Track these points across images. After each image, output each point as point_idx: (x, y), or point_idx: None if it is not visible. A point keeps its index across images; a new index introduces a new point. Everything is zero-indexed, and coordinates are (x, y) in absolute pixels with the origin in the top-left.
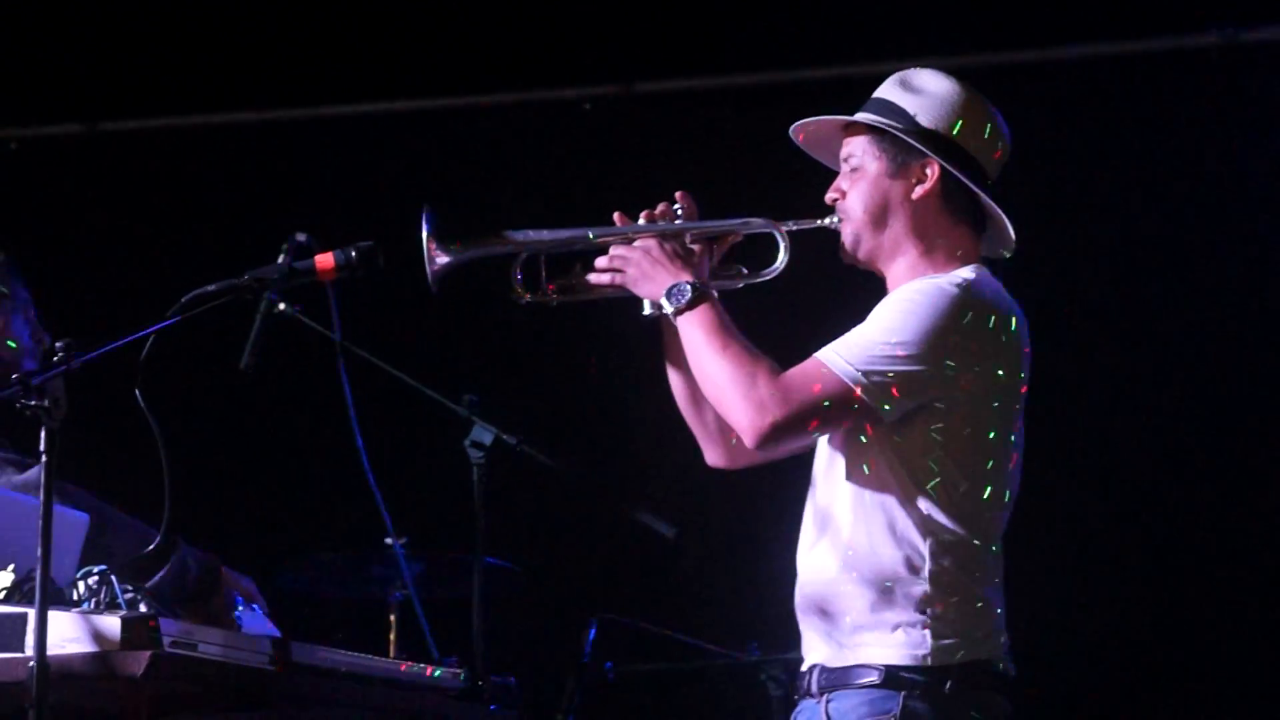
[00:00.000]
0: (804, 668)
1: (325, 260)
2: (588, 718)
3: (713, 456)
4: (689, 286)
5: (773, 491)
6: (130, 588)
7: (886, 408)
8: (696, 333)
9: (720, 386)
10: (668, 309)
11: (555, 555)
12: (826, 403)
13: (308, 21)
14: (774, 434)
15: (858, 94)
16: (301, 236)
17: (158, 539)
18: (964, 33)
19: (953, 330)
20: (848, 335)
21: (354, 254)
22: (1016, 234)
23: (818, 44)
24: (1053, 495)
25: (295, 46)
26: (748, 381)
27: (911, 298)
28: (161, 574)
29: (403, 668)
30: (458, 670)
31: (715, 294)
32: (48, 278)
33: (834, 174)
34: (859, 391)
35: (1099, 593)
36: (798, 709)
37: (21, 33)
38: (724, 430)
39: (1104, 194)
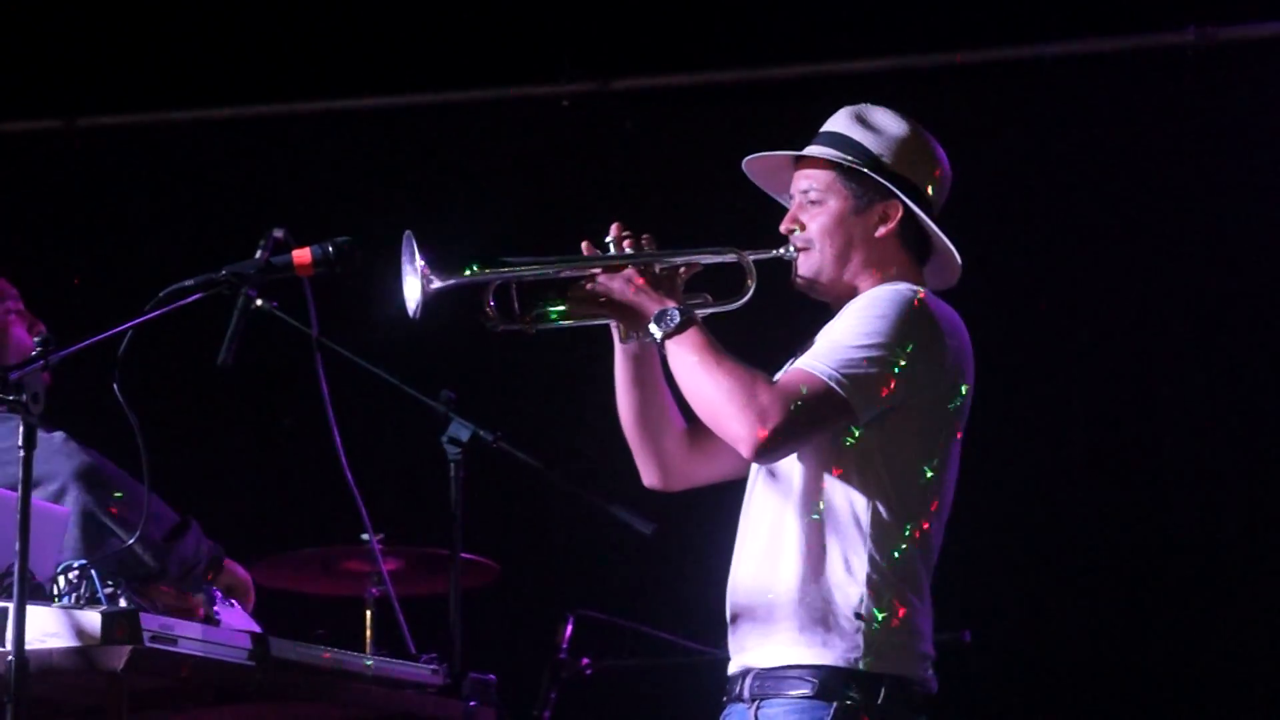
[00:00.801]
0: (733, 670)
1: (303, 255)
2: (564, 713)
3: (651, 478)
4: (676, 311)
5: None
6: (110, 582)
7: (864, 408)
8: (689, 354)
9: (718, 402)
10: (656, 335)
11: (532, 551)
12: (817, 407)
13: (285, 18)
14: (774, 441)
15: (832, 94)
16: (279, 232)
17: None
18: (941, 30)
19: (914, 334)
20: (819, 344)
21: (331, 249)
22: (987, 238)
23: (795, 41)
24: (1025, 500)
25: (273, 43)
26: (747, 393)
27: (874, 303)
28: (176, 547)
29: (380, 663)
30: (435, 666)
31: (699, 316)
32: (26, 273)
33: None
34: (843, 394)
35: (1063, 596)
36: (725, 713)
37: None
38: (664, 454)
39: (1078, 194)
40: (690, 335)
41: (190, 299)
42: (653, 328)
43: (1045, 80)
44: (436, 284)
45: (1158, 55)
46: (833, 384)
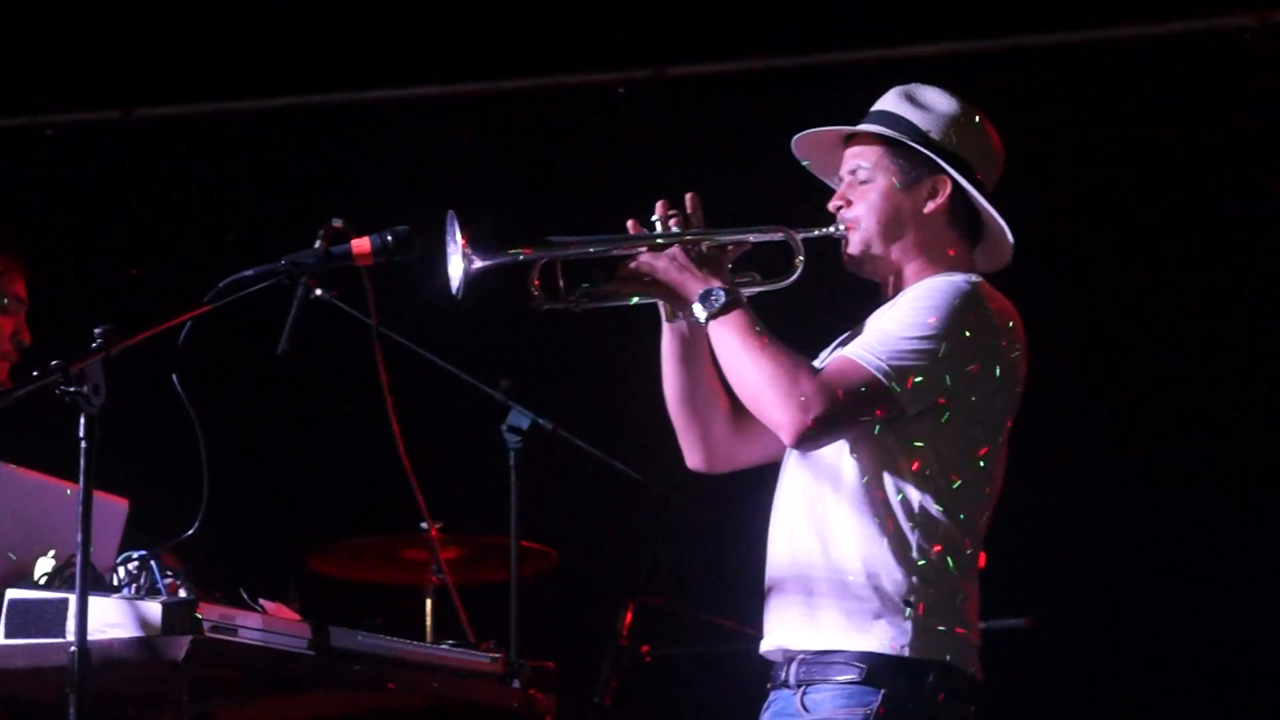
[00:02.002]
0: (769, 649)
1: (362, 245)
2: (624, 701)
3: (695, 460)
4: (722, 291)
5: None
6: (171, 572)
7: (911, 399)
8: (732, 336)
9: (761, 386)
10: (700, 315)
11: (591, 539)
12: (861, 396)
13: (342, 7)
14: (816, 429)
15: (886, 79)
16: (338, 222)
17: (195, 523)
18: (995, 15)
19: (968, 325)
20: (869, 332)
21: (390, 239)
22: (1041, 224)
23: (850, 26)
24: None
25: (330, 32)
26: (790, 380)
27: (930, 294)
28: None
29: (440, 652)
30: (495, 654)
31: (745, 297)
32: (84, 264)
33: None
34: (888, 383)
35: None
36: (770, 699)
37: (58, 19)
38: (709, 436)
39: (1132, 179)
40: (734, 317)
41: (250, 290)
42: (697, 307)
43: (1099, 65)
44: (478, 263)
45: (1215, 39)
46: (879, 374)
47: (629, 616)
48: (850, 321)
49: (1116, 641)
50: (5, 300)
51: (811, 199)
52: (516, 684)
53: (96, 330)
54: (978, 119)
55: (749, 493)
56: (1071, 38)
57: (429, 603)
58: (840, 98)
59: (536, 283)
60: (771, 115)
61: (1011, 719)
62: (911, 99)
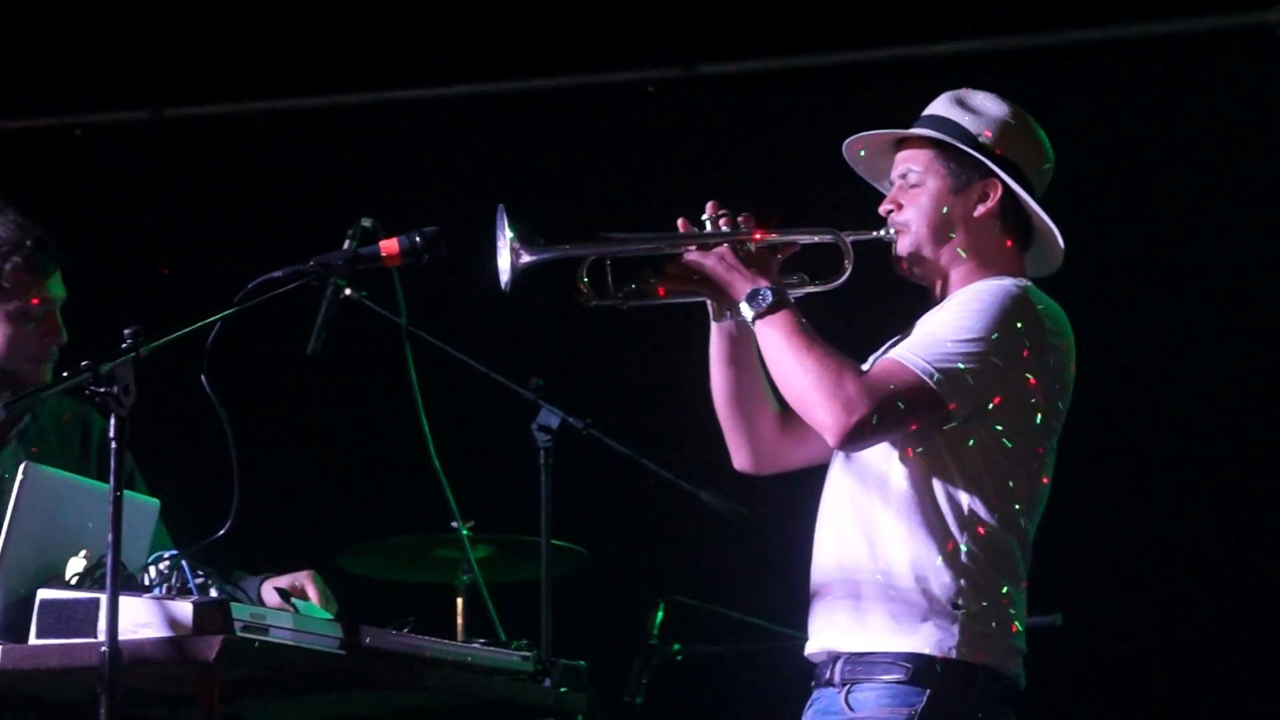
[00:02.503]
0: (815, 651)
1: (390, 246)
2: (655, 699)
3: (742, 461)
4: (769, 291)
5: None
6: (202, 572)
7: (959, 403)
8: (779, 336)
9: (806, 387)
10: (747, 314)
11: (622, 537)
12: (907, 399)
13: (373, 7)
14: (861, 432)
15: (918, 77)
16: (367, 222)
17: (226, 524)
18: (1029, 12)
19: (1016, 329)
20: (917, 334)
21: (419, 239)
22: (1082, 224)
23: (881, 24)
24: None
25: (359, 32)
26: (835, 381)
27: (978, 297)
28: None
29: (472, 651)
30: (527, 653)
31: (792, 298)
32: (114, 264)
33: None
34: (935, 387)
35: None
36: (814, 696)
37: (87, 20)
38: (756, 436)
39: (1166, 176)
40: (781, 317)
41: (280, 290)
42: (744, 307)
43: (1128, 61)
44: (527, 257)
45: (1244, 34)
46: (925, 377)
47: (660, 615)
48: (897, 324)
49: (1149, 639)
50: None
51: (841, 198)
52: (548, 683)
53: (126, 331)
54: (1028, 123)
55: (780, 491)
56: (1097, 35)
57: (460, 602)
58: (872, 96)
59: (585, 280)
60: (800, 114)
61: (1043, 717)
62: (962, 103)
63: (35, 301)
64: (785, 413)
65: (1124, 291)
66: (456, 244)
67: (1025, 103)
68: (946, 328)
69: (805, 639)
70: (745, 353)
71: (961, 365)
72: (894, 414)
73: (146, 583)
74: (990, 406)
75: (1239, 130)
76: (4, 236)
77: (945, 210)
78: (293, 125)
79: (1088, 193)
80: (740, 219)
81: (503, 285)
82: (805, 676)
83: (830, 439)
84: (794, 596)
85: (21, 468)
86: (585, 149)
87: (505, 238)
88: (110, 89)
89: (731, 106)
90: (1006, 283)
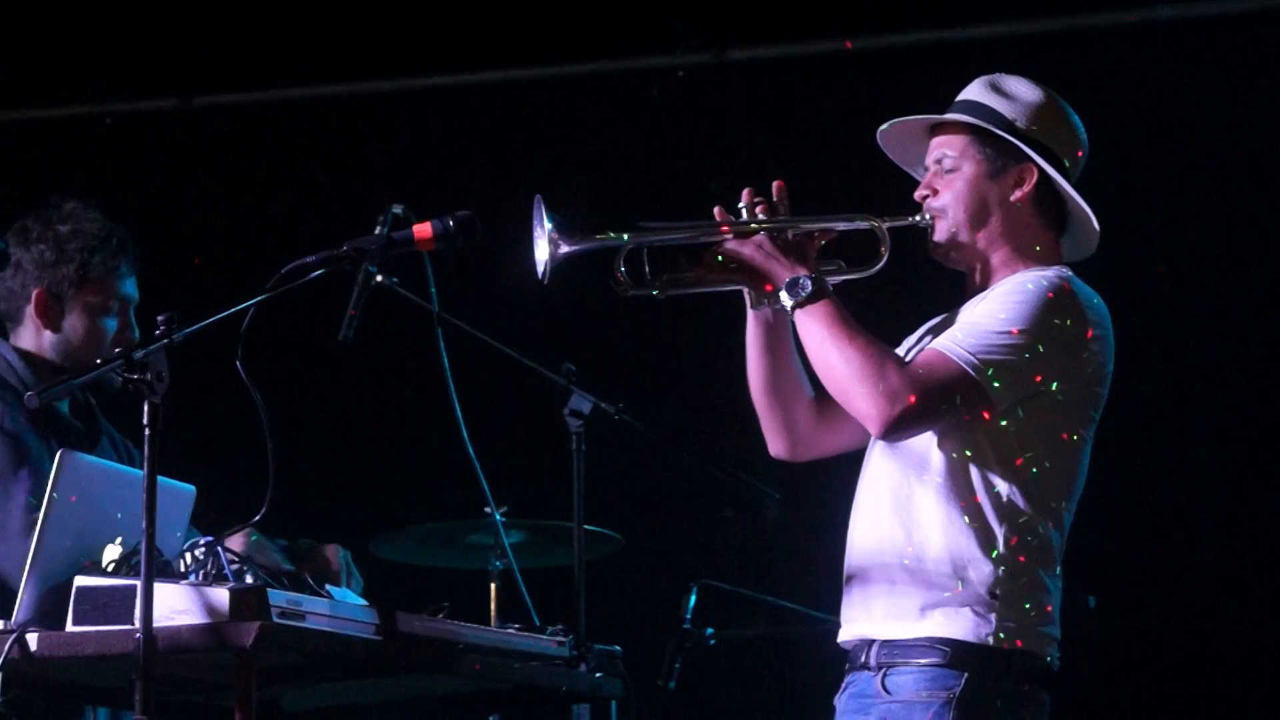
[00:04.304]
0: (850, 637)
1: (424, 230)
2: (689, 683)
3: (778, 448)
4: (809, 280)
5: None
6: (237, 558)
7: (1001, 393)
8: (819, 326)
9: (848, 377)
10: (787, 303)
11: (655, 522)
12: (950, 389)
13: None
14: (903, 421)
15: (950, 61)
16: (398, 208)
17: (262, 509)
18: None
19: (1059, 321)
20: (960, 325)
21: (452, 224)
22: (1117, 207)
23: (914, 8)
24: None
25: (389, 18)
26: (878, 372)
27: (1022, 288)
28: None
29: (507, 636)
30: (561, 638)
31: (831, 287)
32: (145, 252)
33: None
34: (977, 377)
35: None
36: (849, 680)
37: (117, 8)
38: (792, 423)
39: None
40: (821, 306)
41: (312, 275)
42: (784, 295)
43: (1163, 44)
44: (565, 248)
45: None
46: (968, 368)
47: (693, 600)
48: (932, 310)
49: (1182, 620)
50: (108, 307)
51: (873, 183)
52: (584, 668)
53: (159, 318)
54: (1062, 108)
55: (813, 477)
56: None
57: (494, 587)
58: (903, 80)
59: (622, 269)
60: (832, 99)
61: (1075, 698)
62: (996, 88)
63: (115, 298)
64: (820, 400)
65: (1158, 271)
66: (488, 231)
67: (1059, 87)
68: (989, 318)
69: (838, 623)
70: (782, 340)
71: (1004, 356)
72: (936, 404)
73: (182, 569)
74: (1031, 397)
75: (1274, 113)
76: (93, 231)
77: (982, 195)
78: (322, 113)
79: (1121, 176)
80: (778, 206)
81: (540, 276)
82: (839, 660)
83: (873, 429)
84: (827, 581)
85: (58, 456)
86: (617, 135)
87: (544, 228)
88: (140, 77)
89: (763, 92)
90: (1050, 273)
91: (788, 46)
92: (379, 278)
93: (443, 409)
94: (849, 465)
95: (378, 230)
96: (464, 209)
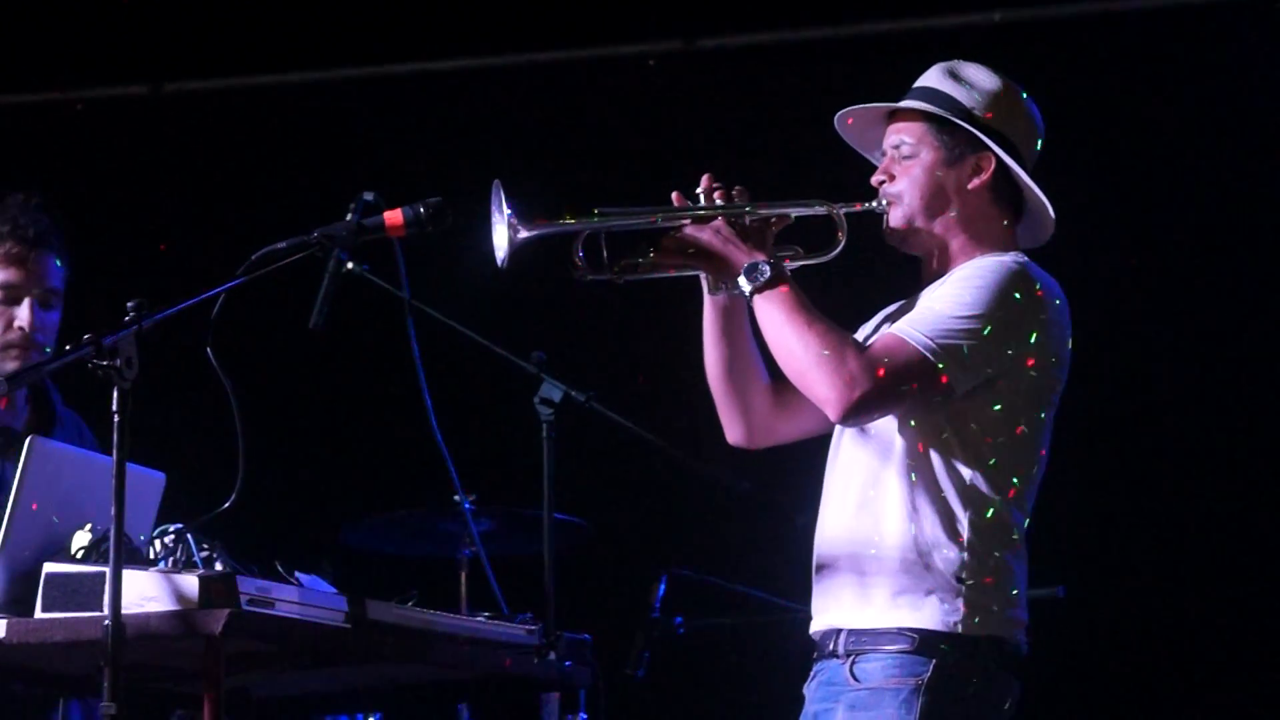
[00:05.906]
0: (819, 627)
1: (394, 217)
2: (658, 672)
3: (735, 435)
4: (767, 265)
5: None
6: (206, 545)
7: (959, 378)
8: (777, 311)
9: (806, 362)
10: (745, 288)
11: (624, 511)
12: (908, 374)
13: None
14: (862, 407)
15: (918, 51)
16: (369, 195)
17: (231, 496)
18: None
19: (1015, 306)
20: (918, 310)
21: (423, 211)
22: (1078, 196)
23: None
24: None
25: (359, 5)
26: (837, 357)
27: (980, 273)
28: None
29: (476, 624)
30: (531, 626)
31: (789, 272)
32: (115, 239)
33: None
34: (936, 361)
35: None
36: (817, 668)
37: None
38: (750, 410)
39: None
40: (779, 291)
41: (282, 262)
42: (742, 280)
43: (1121, 35)
44: (524, 233)
45: (1249, 7)
46: (926, 352)
47: (662, 589)
48: (890, 296)
49: (1151, 610)
50: None
51: (840, 172)
52: (553, 656)
53: (129, 304)
54: (1019, 96)
55: (782, 465)
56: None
57: (463, 575)
58: (872, 70)
59: (580, 254)
60: (800, 87)
61: (1045, 688)
62: (954, 75)
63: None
64: (778, 386)
65: (1127, 267)
66: (458, 218)
67: (1016, 75)
68: (947, 303)
69: (807, 612)
70: (739, 326)
71: (962, 341)
72: (895, 389)
73: (152, 556)
74: (990, 382)
75: (1239, 103)
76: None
77: (939, 182)
78: (292, 99)
79: (1080, 166)
80: (735, 191)
81: (499, 261)
82: (808, 649)
83: (832, 414)
84: (795, 569)
85: (27, 441)
86: (586, 123)
87: (502, 214)
88: (111, 64)
89: (732, 80)
90: (1006, 259)
91: (757, 35)
92: (350, 265)
93: (413, 396)
94: (822, 453)
95: (349, 217)
96: (434, 196)
